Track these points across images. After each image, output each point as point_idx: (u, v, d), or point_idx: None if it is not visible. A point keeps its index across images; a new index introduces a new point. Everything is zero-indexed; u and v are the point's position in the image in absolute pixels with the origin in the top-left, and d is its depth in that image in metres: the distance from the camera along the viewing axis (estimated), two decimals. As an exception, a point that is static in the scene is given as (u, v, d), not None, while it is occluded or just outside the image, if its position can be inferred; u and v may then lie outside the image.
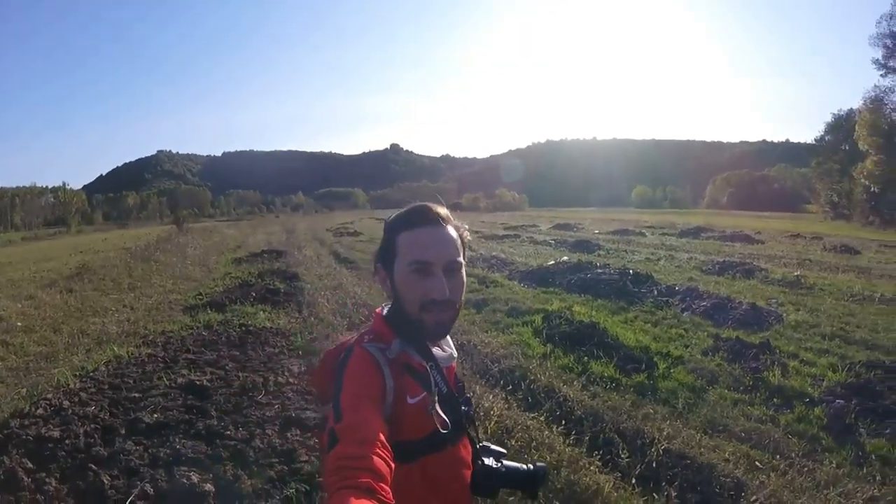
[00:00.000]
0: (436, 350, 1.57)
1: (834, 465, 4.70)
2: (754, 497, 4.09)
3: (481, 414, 5.14)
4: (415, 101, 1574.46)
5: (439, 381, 1.49)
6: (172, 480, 3.96)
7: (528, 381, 6.36)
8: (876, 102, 45.51)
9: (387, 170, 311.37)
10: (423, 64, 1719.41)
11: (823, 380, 6.70)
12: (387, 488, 1.12)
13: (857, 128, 46.92)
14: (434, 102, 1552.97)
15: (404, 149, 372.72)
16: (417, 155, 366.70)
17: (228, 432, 4.77)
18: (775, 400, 6.12)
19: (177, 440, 4.61)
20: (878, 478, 4.52)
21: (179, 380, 6.13)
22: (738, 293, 11.57)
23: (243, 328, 8.59)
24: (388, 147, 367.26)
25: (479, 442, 1.65)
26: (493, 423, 5.02)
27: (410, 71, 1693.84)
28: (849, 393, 6.18)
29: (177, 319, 9.52)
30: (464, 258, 1.56)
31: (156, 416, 5.16)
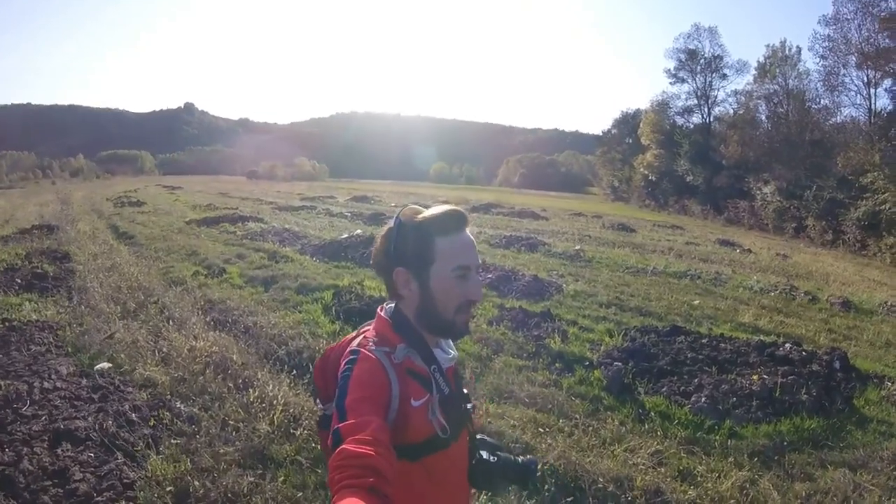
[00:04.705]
0: (438, 352, 1.63)
1: (617, 423, 5.05)
2: (544, 460, 4.16)
3: (265, 404, 4.91)
4: (215, 56, 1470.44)
5: (442, 383, 1.57)
6: (-62, 526, 3.57)
7: (318, 363, 6.04)
8: (662, 105, 54.99)
9: (179, 131, 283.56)
10: (224, 15, 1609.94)
11: (601, 344, 7.20)
12: (388, 487, 1.19)
13: (642, 125, 56.05)
14: (236, 60, 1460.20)
15: (199, 109, 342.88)
16: (213, 116, 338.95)
17: (-6, 456, 4.27)
18: (557, 365, 6.44)
19: (-63, 473, 4.03)
20: (659, 433, 4.93)
21: (-66, 396, 5.33)
22: (522, 265, 12.29)
23: (6, 324, 7.45)
24: (182, 106, 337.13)
25: (476, 435, 1.78)
26: (278, 412, 4.72)
27: (210, 21, 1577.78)
28: (625, 356, 6.66)
29: (-70, 319, 8.10)
30: None
31: None
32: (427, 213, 1.59)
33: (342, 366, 1.51)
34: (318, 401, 1.78)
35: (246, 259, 12.05)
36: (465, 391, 1.74)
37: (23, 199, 35.44)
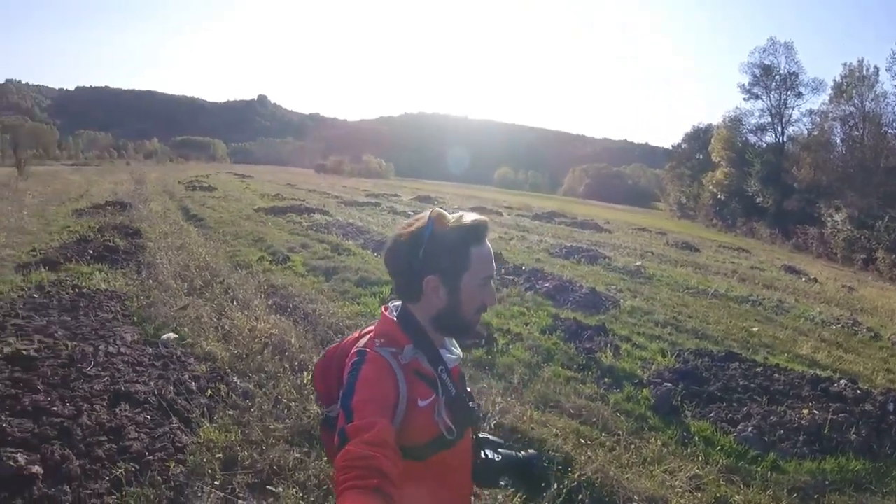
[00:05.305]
0: (443, 352, 1.65)
1: (660, 444, 4.97)
2: (582, 471, 4.17)
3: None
4: (290, 50, 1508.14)
5: (448, 384, 1.59)
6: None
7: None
8: (734, 122, 53.03)
9: (251, 122, 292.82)
10: (301, 10, 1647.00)
11: (653, 363, 7.08)
12: (393, 488, 1.21)
13: (713, 141, 54.19)
14: (310, 55, 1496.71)
15: (272, 101, 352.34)
16: (286, 110, 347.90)
17: (55, 408, 4.41)
18: (606, 379, 6.40)
19: (2, 417, 4.21)
20: (701, 458, 4.87)
21: (6, 349, 5.48)
22: (580, 277, 12.14)
23: (77, 290, 7.88)
24: (256, 98, 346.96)
25: (479, 433, 1.81)
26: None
27: (287, 16, 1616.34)
28: (676, 377, 6.55)
29: (7, 279, 8.47)
30: None
31: (-20, 391, 4.72)
32: (459, 220, 1.58)
33: (348, 366, 1.52)
34: (319, 403, 1.82)
35: (310, 249, 12.32)
36: (469, 390, 1.75)
37: (98, 177, 36.72)
